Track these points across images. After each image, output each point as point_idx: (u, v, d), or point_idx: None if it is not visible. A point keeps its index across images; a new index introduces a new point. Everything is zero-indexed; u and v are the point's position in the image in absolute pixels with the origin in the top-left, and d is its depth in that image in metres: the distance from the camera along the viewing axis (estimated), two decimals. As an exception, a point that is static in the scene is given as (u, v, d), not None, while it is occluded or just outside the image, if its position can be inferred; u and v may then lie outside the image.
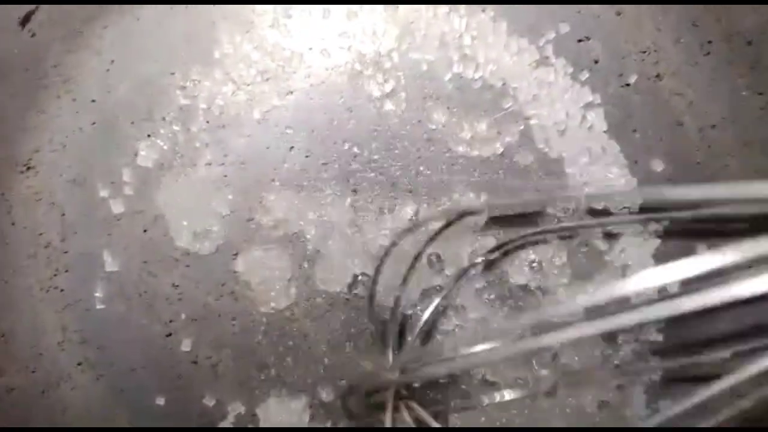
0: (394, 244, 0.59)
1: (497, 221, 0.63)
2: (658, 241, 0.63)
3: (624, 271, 0.64)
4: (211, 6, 0.64)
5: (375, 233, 0.63)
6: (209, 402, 0.63)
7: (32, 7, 0.58)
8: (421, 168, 0.64)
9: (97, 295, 0.63)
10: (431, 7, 0.64)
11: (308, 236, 0.63)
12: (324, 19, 0.65)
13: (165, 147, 0.64)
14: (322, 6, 0.64)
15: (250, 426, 0.63)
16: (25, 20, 0.59)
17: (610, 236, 0.64)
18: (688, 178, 0.64)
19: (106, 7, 0.63)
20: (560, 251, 0.63)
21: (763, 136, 0.62)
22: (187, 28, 0.64)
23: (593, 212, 0.64)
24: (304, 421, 0.63)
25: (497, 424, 0.63)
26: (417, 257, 0.61)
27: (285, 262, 0.63)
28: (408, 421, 0.58)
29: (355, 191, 0.64)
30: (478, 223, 0.62)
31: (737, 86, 0.63)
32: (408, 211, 0.64)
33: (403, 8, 0.64)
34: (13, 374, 0.62)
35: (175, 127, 0.64)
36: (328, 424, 0.63)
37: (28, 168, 0.63)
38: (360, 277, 0.63)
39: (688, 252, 0.61)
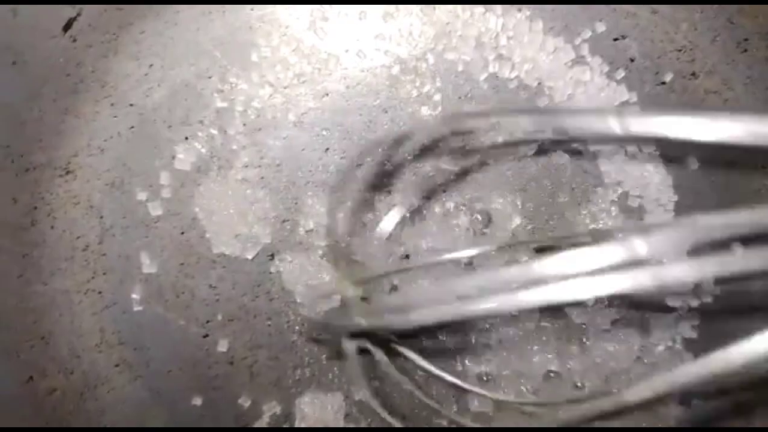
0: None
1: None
2: (694, 238, 0.63)
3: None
4: (249, 10, 0.65)
5: (410, 235, 0.63)
6: (245, 402, 0.64)
7: (74, 13, 0.59)
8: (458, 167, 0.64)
9: (134, 296, 0.64)
10: (468, 7, 0.64)
11: (344, 239, 0.64)
12: (360, 21, 0.65)
13: (202, 150, 0.65)
14: (358, 8, 0.65)
15: (286, 426, 0.63)
16: (67, 26, 0.59)
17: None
18: (722, 176, 0.64)
19: (143, 13, 0.63)
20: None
21: (800, 133, 0.62)
22: (224, 32, 0.65)
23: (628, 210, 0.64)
24: (339, 420, 0.63)
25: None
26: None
27: (321, 264, 0.64)
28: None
29: (389, 192, 0.64)
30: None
31: (774, 84, 0.63)
32: (438, 210, 0.64)
33: (439, 9, 0.64)
34: (54, 376, 0.63)
35: (212, 130, 0.65)
36: (363, 424, 0.63)
37: (67, 172, 0.64)
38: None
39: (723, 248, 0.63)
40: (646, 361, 0.64)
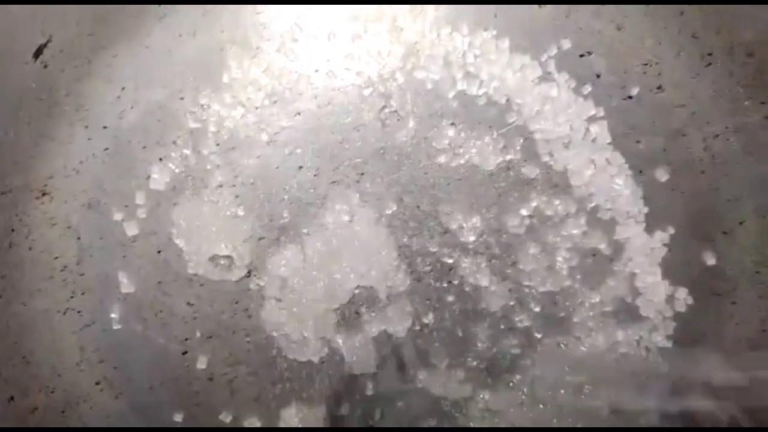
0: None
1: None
2: (666, 249, 0.64)
3: (632, 280, 0.64)
4: (219, 32, 0.65)
5: (385, 248, 0.64)
6: (226, 417, 0.64)
7: (44, 40, 0.59)
8: (429, 183, 0.65)
9: (113, 315, 0.65)
10: (435, 27, 0.65)
11: (319, 252, 0.65)
12: (329, 42, 0.66)
13: (176, 170, 0.65)
14: (327, 29, 0.65)
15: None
16: (37, 53, 0.60)
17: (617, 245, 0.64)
18: (692, 188, 0.64)
19: (115, 36, 0.64)
20: (572, 255, 0.64)
21: (766, 145, 0.63)
22: (196, 54, 0.65)
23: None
24: (321, 434, 0.64)
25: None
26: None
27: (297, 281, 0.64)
28: None
29: (363, 209, 0.65)
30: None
31: (739, 96, 0.63)
32: (413, 224, 0.64)
33: (407, 29, 0.65)
34: (35, 394, 0.63)
35: (186, 151, 0.65)
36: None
37: (44, 194, 0.65)
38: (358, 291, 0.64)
39: (696, 261, 0.64)
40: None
